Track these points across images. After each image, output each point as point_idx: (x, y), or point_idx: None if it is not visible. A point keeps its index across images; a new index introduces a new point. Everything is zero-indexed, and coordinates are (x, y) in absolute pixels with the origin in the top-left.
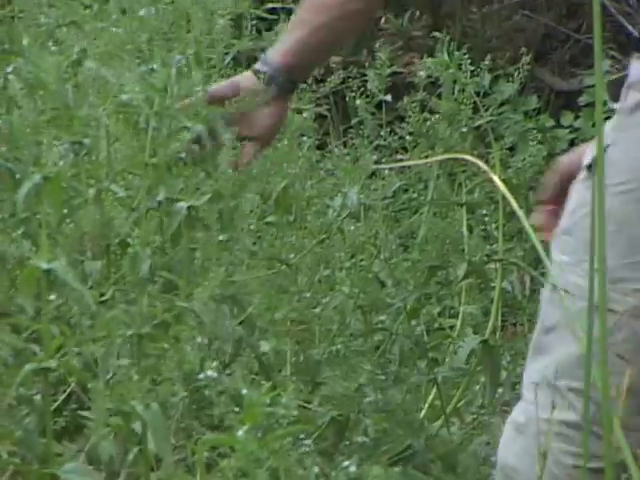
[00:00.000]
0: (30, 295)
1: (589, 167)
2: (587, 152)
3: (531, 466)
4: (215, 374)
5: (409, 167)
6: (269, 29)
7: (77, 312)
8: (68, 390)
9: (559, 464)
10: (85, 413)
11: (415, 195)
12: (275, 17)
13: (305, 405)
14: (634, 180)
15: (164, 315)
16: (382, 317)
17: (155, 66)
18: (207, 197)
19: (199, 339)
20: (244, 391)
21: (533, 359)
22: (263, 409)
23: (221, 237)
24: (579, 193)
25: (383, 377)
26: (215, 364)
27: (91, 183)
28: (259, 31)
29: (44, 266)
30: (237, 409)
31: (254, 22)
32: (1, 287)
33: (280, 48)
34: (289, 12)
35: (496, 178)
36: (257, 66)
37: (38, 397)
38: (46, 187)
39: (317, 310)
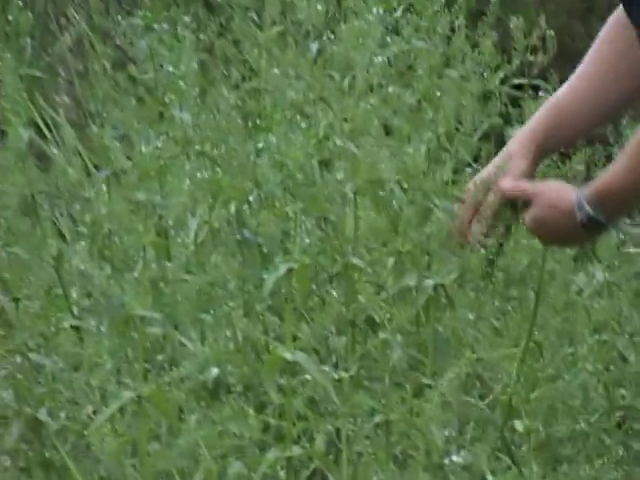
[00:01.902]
0: (274, 380)
1: None
2: None
3: None
4: (460, 459)
5: None
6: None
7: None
8: (312, 467)
9: None
10: None
11: None
12: (521, 94)
13: None
14: None
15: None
16: (625, 393)
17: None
18: (454, 275)
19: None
20: (489, 478)
21: None
22: None
23: (470, 316)
24: None
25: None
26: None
27: (337, 258)
28: (506, 106)
29: (288, 357)
30: None
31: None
32: (248, 363)
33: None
34: (535, 88)
35: None
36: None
37: (282, 473)
38: (292, 274)
39: (560, 387)
